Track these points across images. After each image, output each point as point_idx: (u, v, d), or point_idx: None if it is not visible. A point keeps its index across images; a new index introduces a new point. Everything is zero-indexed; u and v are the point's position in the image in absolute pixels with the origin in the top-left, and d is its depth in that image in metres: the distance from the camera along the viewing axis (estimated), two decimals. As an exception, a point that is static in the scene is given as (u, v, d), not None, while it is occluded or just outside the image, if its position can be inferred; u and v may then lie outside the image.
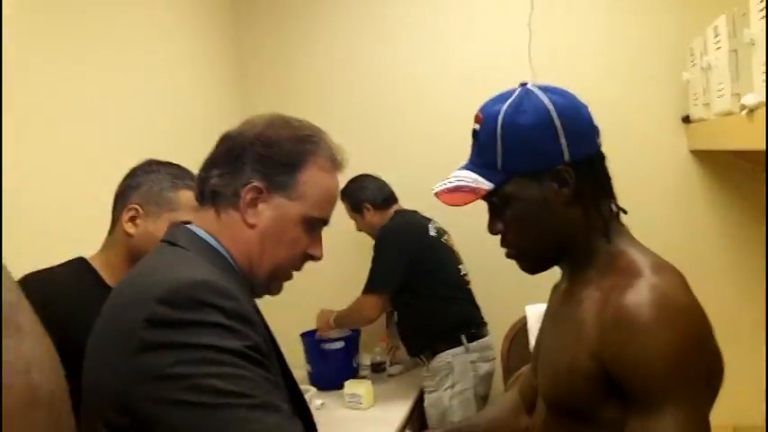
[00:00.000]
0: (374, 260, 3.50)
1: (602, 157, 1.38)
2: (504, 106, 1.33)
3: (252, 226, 1.33)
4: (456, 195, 1.35)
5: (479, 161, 1.36)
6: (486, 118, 1.35)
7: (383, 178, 3.71)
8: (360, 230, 3.72)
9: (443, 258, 3.55)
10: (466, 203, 1.34)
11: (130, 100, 2.87)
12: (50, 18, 2.40)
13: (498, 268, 3.62)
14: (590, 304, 1.29)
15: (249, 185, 1.32)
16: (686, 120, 3.55)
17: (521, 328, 3.40)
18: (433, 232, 3.56)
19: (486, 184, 1.33)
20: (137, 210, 1.78)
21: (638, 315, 1.19)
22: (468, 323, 3.50)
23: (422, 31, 3.98)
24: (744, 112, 2.13)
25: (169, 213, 1.75)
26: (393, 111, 4.02)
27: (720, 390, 3.59)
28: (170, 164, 1.85)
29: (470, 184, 1.34)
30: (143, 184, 1.80)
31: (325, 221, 1.41)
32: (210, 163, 1.38)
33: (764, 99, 1.92)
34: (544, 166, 1.31)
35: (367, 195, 3.63)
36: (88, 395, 1.17)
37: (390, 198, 3.68)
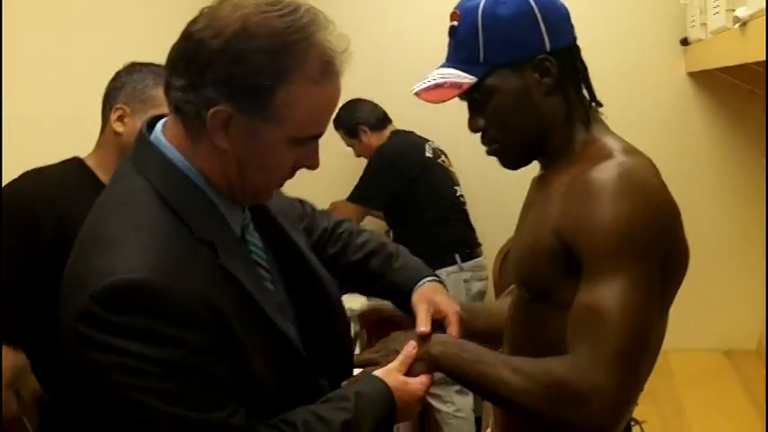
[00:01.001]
0: (364, 173, 3.58)
1: (578, 49, 1.39)
2: (482, 0, 1.34)
3: (224, 150, 1.14)
4: (438, 92, 1.36)
5: (459, 57, 1.37)
6: (464, 13, 1.36)
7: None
8: (359, 156, 3.74)
9: (439, 179, 3.59)
10: (448, 99, 1.36)
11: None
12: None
13: (495, 190, 3.68)
14: (558, 186, 1.32)
15: (214, 110, 1.10)
16: (684, 42, 3.54)
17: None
18: (429, 153, 3.58)
19: (469, 78, 1.34)
20: (123, 109, 1.83)
21: (601, 187, 1.22)
22: (463, 243, 3.57)
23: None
24: (737, 26, 2.14)
25: (154, 110, 1.79)
26: (387, 32, 3.98)
27: (712, 314, 3.62)
28: (151, 64, 1.88)
29: (453, 80, 1.35)
30: (127, 84, 1.85)
31: (317, 136, 1.20)
32: (171, 65, 1.15)
33: (758, 10, 1.93)
34: (526, 55, 1.33)
35: (360, 118, 3.63)
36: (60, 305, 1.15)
37: (384, 118, 3.69)
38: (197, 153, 1.17)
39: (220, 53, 1.08)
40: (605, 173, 1.24)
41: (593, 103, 1.41)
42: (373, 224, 3.72)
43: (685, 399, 3.12)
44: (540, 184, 1.44)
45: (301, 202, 1.68)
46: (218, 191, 1.20)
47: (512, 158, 1.42)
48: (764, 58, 1.87)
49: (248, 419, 1.12)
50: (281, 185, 1.27)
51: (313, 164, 1.22)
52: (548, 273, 1.30)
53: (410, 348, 1.35)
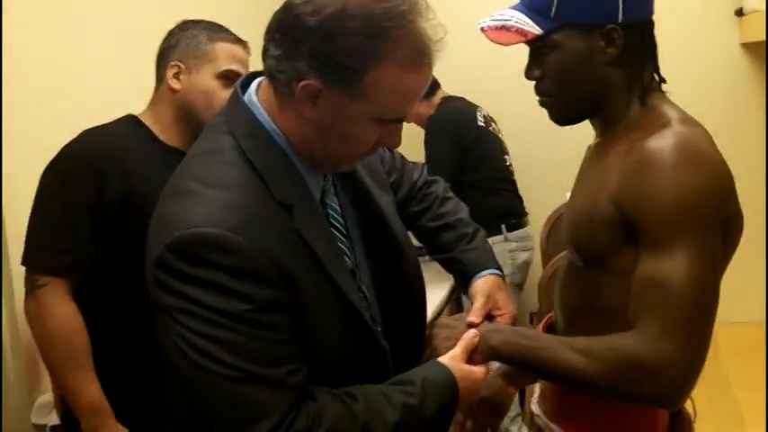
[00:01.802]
0: (427, 149, 3.53)
1: (652, 25, 1.38)
2: None
3: (309, 120, 1.18)
4: (503, 34, 1.35)
5: (532, 4, 1.36)
6: None
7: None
8: (409, 122, 3.72)
9: (491, 148, 3.56)
10: (511, 44, 1.35)
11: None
12: None
13: (541, 160, 3.66)
14: (615, 155, 1.32)
15: (304, 83, 1.13)
16: (739, 13, 3.48)
17: (563, 213, 3.43)
18: (481, 120, 3.55)
19: (536, 29, 1.33)
20: (179, 66, 1.87)
21: (661, 157, 1.22)
22: (510, 213, 3.56)
23: None
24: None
25: (209, 64, 1.86)
26: None
27: (759, 287, 3.52)
28: (203, 21, 1.93)
29: (519, 26, 1.34)
30: (181, 41, 1.88)
31: (400, 120, 1.23)
32: (270, 33, 1.18)
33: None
34: (597, 22, 1.31)
35: None
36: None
37: (434, 84, 3.63)
38: (284, 118, 1.21)
39: (316, 30, 1.11)
40: (663, 142, 1.23)
41: (657, 79, 1.39)
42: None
43: (731, 372, 3.11)
44: (596, 151, 1.44)
45: (391, 151, 1.69)
46: (301, 156, 1.24)
47: (560, 115, 1.42)
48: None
49: (309, 381, 1.15)
50: (363, 159, 1.32)
51: (394, 142, 1.26)
52: (603, 240, 1.30)
53: (471, 336, 1.34)
